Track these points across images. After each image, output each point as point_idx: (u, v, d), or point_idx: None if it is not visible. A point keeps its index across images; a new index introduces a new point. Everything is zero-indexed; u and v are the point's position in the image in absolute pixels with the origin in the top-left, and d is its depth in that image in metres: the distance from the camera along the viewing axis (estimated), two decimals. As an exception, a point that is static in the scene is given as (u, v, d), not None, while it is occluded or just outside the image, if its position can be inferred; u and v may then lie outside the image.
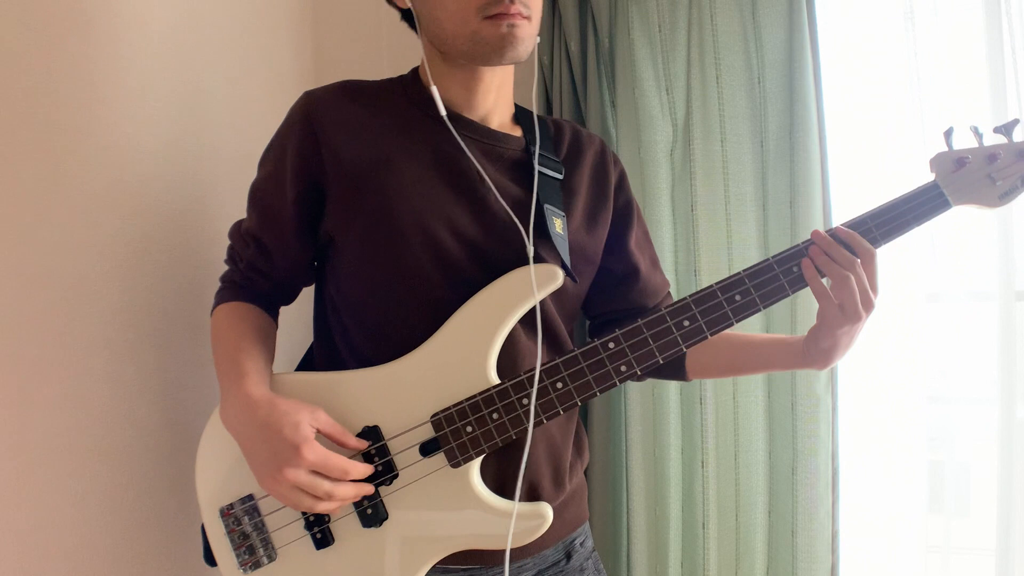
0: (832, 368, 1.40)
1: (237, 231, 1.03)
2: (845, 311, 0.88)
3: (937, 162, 0.95)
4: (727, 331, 0.92)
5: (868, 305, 0.88)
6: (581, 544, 1.04)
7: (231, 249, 1.04)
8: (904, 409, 1.51)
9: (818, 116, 1.42)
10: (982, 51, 1.41)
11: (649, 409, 1.47)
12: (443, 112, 0.94)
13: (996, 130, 0.94)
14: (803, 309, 1.41)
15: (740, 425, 1.45)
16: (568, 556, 1.01)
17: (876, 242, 0.91)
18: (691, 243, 1.48)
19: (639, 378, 0.97)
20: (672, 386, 1.46)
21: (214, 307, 1.02)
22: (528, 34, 0.90)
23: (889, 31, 1.50)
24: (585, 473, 1.53)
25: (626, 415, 1.49)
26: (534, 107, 1.06)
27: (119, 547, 1.06)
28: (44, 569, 0.95)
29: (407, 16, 0.99)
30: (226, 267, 1.06)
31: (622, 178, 1.09)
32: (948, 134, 0.95)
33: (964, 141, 0.96)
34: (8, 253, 0.93)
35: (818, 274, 0.89)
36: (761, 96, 1.46)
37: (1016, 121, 0.93)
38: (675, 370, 1.08)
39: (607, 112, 1.56)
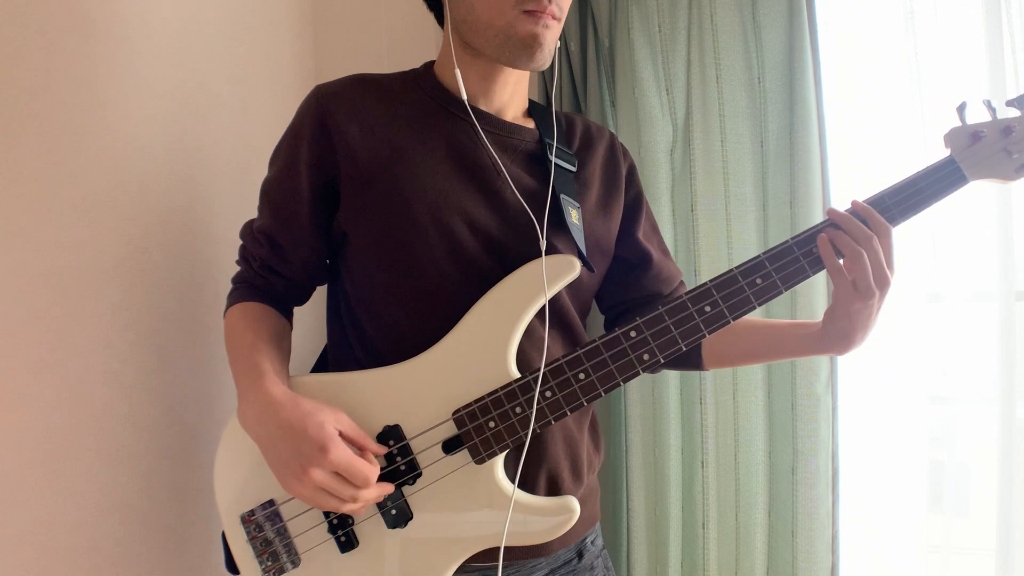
0: (832, 368, 1.40)
1: (249, 230, 1.01)
2: (858, 287, 0.86)
3: (952, 137, 0.92)
4: (744, 317, 0.91)
5: (883, 281, 0.86)
6: (592, 543, 1.03)
7: (243, 249, 1.03)
8: (904, 409, 1.50)
9: (818, 116, 1.42)
10: (982, 51, 1.40)
11: (649, 409, 1.47)
12: (464, 97, 0.94)
13: (1009, 103, 0.92)
14: (803, 305, 1.41)
15: (740, 425, 1.45)
16: (580, 555, 1.00)
17: (894, 219, 0.89)
18: (691, 243, 1.48)
19: (659, 368, 0.95)
20: (672, 386, 1.46)
21: (227, 308, 1.00)
22: (553, 39, 0.91)
23: (889, 31, 1.50)
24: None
25: (626, 415, 1.49)
26: (554, 101, 1.07)
27: (120, 547, 1.06)
28: (44, 569, 0.95)
29: (434, 1, 0.99)
30: (238, 268, 1.04)
31: (632, 170, 1.09)
32: (961, 108, 0.92)
33: (977, 115, 0.94)
34: (8, 253, 0.93)
35: (833, 252, 0.88)
36: (761, 96, 1.46)
37: None
38: (692, 359, 1.05)
39: (607, 112, 1.56)
